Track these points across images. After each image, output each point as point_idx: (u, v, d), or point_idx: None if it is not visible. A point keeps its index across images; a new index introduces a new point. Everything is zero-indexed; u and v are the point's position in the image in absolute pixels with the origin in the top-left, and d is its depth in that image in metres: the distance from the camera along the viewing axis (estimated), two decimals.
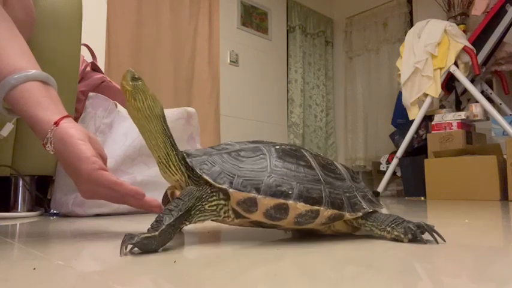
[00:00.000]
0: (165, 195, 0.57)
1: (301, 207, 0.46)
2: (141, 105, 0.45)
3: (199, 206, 0.45)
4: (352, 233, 0.55)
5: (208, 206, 0.46)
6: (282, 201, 0.45)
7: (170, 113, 1.12)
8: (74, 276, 0.33)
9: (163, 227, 0.41)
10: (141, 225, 0.77)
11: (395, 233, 0.48)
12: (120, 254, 0.40)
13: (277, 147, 0.50)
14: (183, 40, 2.65)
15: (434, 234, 0.47)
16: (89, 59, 1.44)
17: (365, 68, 3.59)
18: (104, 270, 0.36)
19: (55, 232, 0.66)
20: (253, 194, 0.45)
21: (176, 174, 0.48)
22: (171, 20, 2.59)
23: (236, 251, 0.45)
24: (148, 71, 2.43)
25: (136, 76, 0.45)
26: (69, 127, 0.53)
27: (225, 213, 0.47)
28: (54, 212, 1.03)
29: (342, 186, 0.51)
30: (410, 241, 0.47)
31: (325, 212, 0.47)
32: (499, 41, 2.26)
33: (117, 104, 1.09)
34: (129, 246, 0.40)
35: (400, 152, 2.32)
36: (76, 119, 1.09)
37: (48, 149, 0.53)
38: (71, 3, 1.07)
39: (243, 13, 3.08)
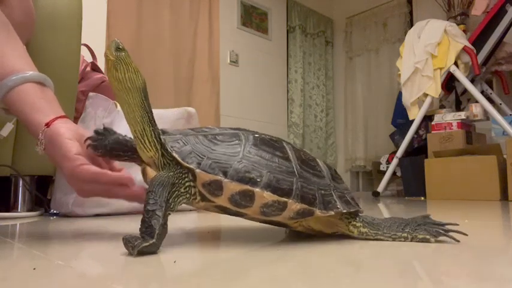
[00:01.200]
0: None
1: (268, 196, 0.44)
2: (122, 76, 0.44)
3: (176, 192, 0.45)
4: (330, 234, 0.53)
5: (183, 189, 0.45)
6: (248, 187, 0.44)
7: (170, 113, 1.11)
8: (74, 276, 0.33)
9: (157, 231, 0.41)
10: None
11: (420, 236, 0.48)
12: (128, 254, 0.40)
13: (257, 135, 0.49)
14: (183, 40, 2.65)
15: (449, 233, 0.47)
16: (89, 59, 1.44)
17: (365, 68, 3.59)
18: (103, 270, 0.36)
19: (55, 232, 0.66)
20: (219, 177, 0.44)
21: (150, 150, 0.47)
22: (171, 20, 2.59)
23: (236, 251, 0.45)
24: (149, 71, 2.43)
25: (120, 47, 0.44)
26: (60, 127, 0.53)
27: (192, 195, 0.46)
28: (54, 212, 1.03)
29: (319, 183, 0.49)
30: (437, 241, 0.47)
31: (293, 206, 0.46)
32: (499, 41, 2.26)
33: (117, 104, 1.09)
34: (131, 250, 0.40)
35: (400, 152, 2.32)
36: (76, 119, 1.09)
37: (37, 149, 0.53)
38: (71, 3, 1.07)
39: (243, 13, 3.08)
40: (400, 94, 2.53)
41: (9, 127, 0.94)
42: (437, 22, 2.26)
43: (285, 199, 0.45)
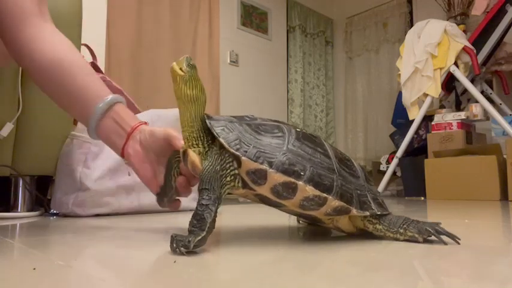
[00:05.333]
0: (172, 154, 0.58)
1: (310, 190, 0.45)
2: (190, 92, 0.47)
3: (223, 182, 0.46)
4: (353, 234, 0.55)
5: (229, 178, 0.47)
6: (292, 179, 0.45)
7: (170, 113, 1.11)
8: (74, 276, 0.33)
9: (208, 224, 0.42)
10: (141, 224, 0.77)
11: (409, 233, 0.48)
12: (174, 252, 0.41)
13: (298, 130, 0.50)
14: (183, 40, 2.65)
15: (442, 237, 0.47)
16: (89, 59, 1.43)
17: (365, 68, 3.59)
18: (103, 270, 0.36)
19: (55, 232, 0.66)
20: (264, 167, 0.45)
21: (198, 147, 0.49)
22: (171, 20, 2.59)
23: (236, 251, 0.45)
24: (149, 71, 2.43)
25: (192, 63, 0.47)
26: (131, 155, 0.59)
27: (234, 181, 0.47)
28: (54, 212, 1.03)
29: (355, 183, 0.50)
30: (425, 241, 0.47)
31: (333, 202, 0.47)
32: (499, 41, 2.26)
33: None
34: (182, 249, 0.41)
35: (400, 152, 2.31)
36: (76, 120, 1.09)
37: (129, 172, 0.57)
38: (71, 3, 1.07)
39: (243, 13, 3.08)
40: (400, 94, 2.52)
41: (9, 127, 0.94)
42: (437, 22, 2.26)
43: (326, 195, 0.46)
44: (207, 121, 0.48)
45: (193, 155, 0.48)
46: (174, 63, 0.47)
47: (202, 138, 0.48)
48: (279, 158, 0.45)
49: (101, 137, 0.61)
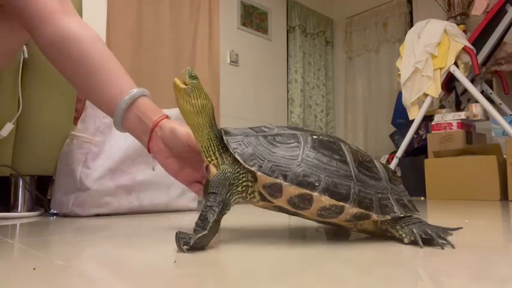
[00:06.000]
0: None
1: (326, 200, 0.46)
2: (195, 102, 0.48)
3: (233, 190, 0.47)
4: (380, 235, 0.53)
5: (240, 188, 0.48)
6: (307, 191, 0.45)
7: (170, 113, 1.11)
8: (74, 276, 0.33)
9: (210, 223, 0.43)
10: (141, 224, 0.77)
11: (400, 232, 0.48)
12: (179, 250, 0.42)
13: (315, 137, 0.50)
14: (183, 40, 2.65)
15: (440, 241, 0.46)
16: None
17: (365, 68, 3.58)
18: (103, 270, 0.36)
19: (55, 232, 0.66)
20: (279, 180, 0.46)
21: (213, 160, 0.50)
22: (171, 20, 2.59)
23: (236, 250, 0.45)
24: (149, 71, 2.43)
25: (193, 75, 0.48)
26: (176, 123, 0.60)
27: (251, 194, 0.49)
28: (54, 212, 1.03)
29: (376, 186, 0.50)
30: (411, 243, 0.47)
31: (350, 210, 0.47)
32: (499, 41, 2.26)
33: None
34: (184, 246, 0.42)
35: (400, 152, 2.31)
36: (76, 119, 1.09)
37: (160, 134, 0.59)
38: None
39: (243, 13, 3.08)
40: (400, 94, 2.52)
41: (9, 127, 0.94)
42: (437, 22, 2.25)
43: (342, 203, 0.46)
44: (224, 137, 0.49)
45: (215, 170, 0.50)
46: (176, 78, 0.48)
47: (213, 146, 0.50)
48: (294, 170, 0.46)
49: (128, 131, 0.63)
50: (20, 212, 1.02)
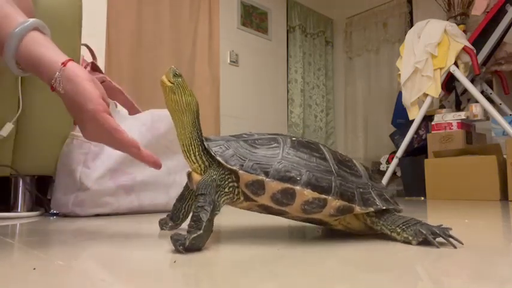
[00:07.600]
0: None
1: (308, 194, 0.46)
2: (179, 99, 0.49)
3: (220, 192, 0.48)
4: (365, 233, 0.54)
5: (227, 189, 0.48)
6: (289, 186, 0.46)
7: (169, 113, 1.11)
8: (74, 276, 0.33)
9: (204, 223, 0.43)
10: (141, 225, 0.77)
11: (405, 235, 0.48)
12: (175, 251, 0.42)
13: (294, 139, 0.52)
14: (183, 40, 2.65)
15: (450, 239, 0.45)
16: (89, 59, 1.43)
17: (365, 68, 3.59)
18: (103, 270, 0.36)
19: (55, 232, 0.66)
20: (261, 177, 0.46)
21: (195, 163, 0.51)
22: (171, 20, 2.59)
23: (236, 250, 0.45)
24: (149, 71, 2.43)
25: (177, 73, 0.49)
26: (77, 68, 0.54)
27: (236, 195, 0.49)
28: (54, 212, 1.03)
29: (357, 182, 0.51)
30: (419, 244, 0.47)
31: (333, 202, 0.47)
32: (499, 41, 2.26)
33: (117, 104, 1.09)
34: (180, 247, 0.42)
35: (400, 152, 2.31)
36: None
37: (58, 88, 0.53)
38: (71, 3, 1.07)
39: (243, 13, 3.08)
40: (400, 94, 2.52)
41: (9, 127, 0.94)
42: (437, 22, 2.25)
43: (325, 196, 0.47)
44: (205, 143, 0.50)
45: (197, 177, 0.50)
46: (163, 76, 0.49)
47: (194, 146, 0.50)
48: (275, 167, 0.47)
49: (24, 68, 0.56)
50: (20, 212, 1.02)
